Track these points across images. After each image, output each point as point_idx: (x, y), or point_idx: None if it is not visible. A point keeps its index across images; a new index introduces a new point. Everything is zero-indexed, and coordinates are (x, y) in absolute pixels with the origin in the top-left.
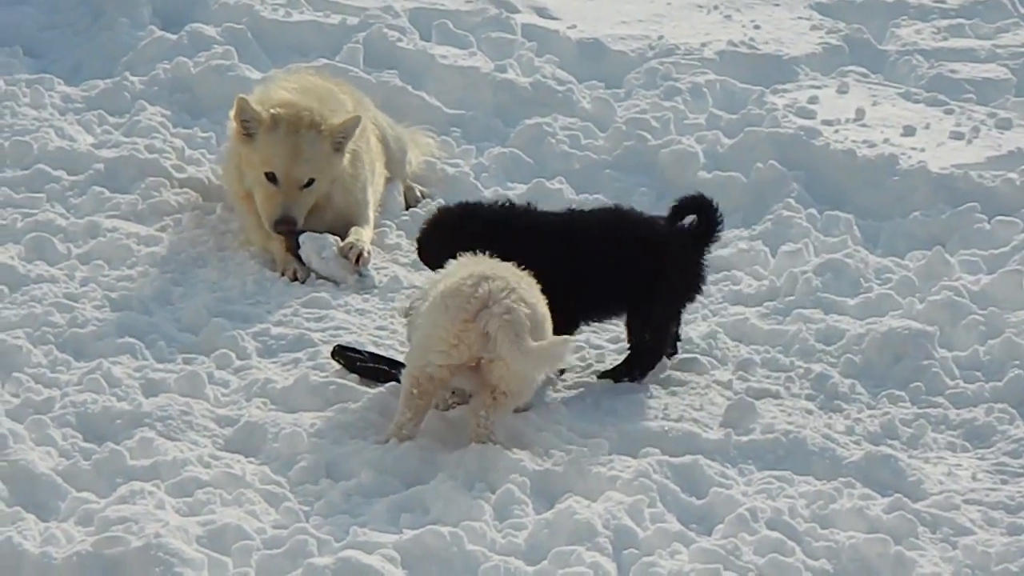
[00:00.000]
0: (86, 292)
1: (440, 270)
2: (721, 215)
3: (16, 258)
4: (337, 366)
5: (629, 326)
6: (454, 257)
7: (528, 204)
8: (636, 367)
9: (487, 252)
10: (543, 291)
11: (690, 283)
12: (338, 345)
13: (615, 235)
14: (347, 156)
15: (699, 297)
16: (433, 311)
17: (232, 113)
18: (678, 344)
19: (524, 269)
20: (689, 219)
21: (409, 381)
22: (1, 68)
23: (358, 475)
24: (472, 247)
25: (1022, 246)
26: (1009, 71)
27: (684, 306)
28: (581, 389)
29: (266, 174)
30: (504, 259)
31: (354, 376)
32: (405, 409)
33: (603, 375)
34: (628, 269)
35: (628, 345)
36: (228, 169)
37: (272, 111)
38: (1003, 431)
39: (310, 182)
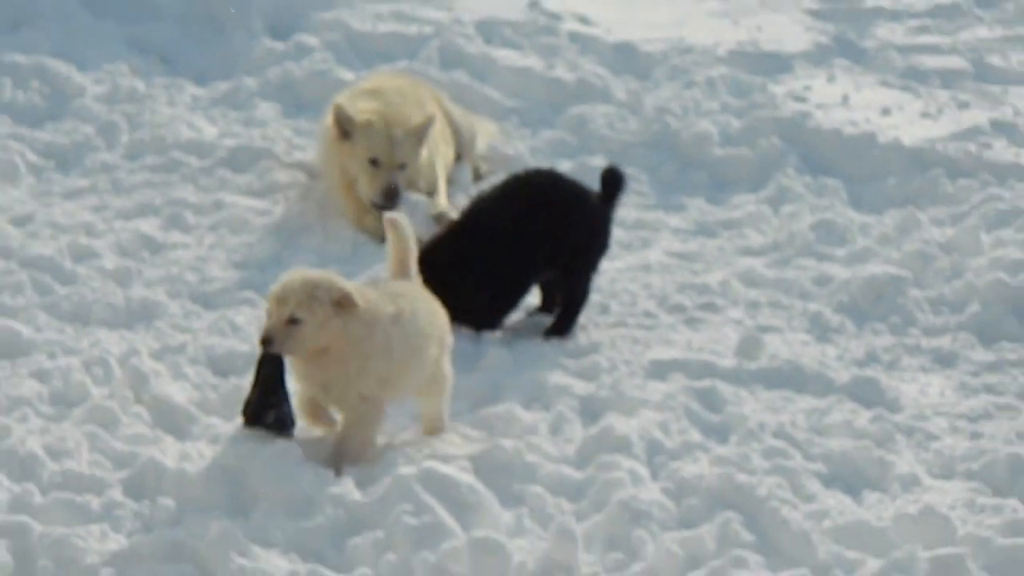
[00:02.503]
0: (213, 255)
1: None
2: (623, 180)
3: (156, 228)
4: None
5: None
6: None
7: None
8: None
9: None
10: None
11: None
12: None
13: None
14: (425, 152)
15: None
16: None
17: (331, 119)
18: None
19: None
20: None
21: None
22: (142, 73)
23: None
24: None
25: (978, 204)
26: (967, 62)
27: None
28: (621, 328)
29: (370, 160)
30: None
31: None
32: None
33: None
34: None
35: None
36: (329, 168)
37: (366, 117)
38: (965, 355)
39: (403, 166)
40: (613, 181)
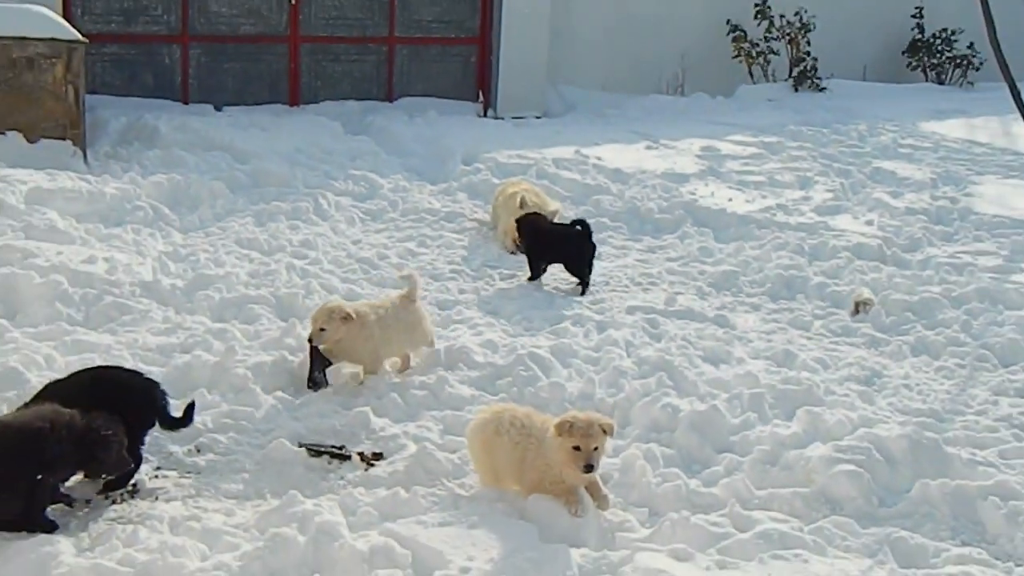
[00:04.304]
0: (438, 259)
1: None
2: (589, 227)
3: (414, 247)
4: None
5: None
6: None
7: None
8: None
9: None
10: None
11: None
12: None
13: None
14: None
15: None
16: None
17: (514, 201)
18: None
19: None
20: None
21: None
22: (407, 179)
23: (535, 318)
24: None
25: (770, 240)
26: (765, 178)
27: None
28: (615, 292)
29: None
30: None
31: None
32: None
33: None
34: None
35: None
36: (501, 220)
37: (526, 200)
38: (764, 306)
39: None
40: (584, 227)
